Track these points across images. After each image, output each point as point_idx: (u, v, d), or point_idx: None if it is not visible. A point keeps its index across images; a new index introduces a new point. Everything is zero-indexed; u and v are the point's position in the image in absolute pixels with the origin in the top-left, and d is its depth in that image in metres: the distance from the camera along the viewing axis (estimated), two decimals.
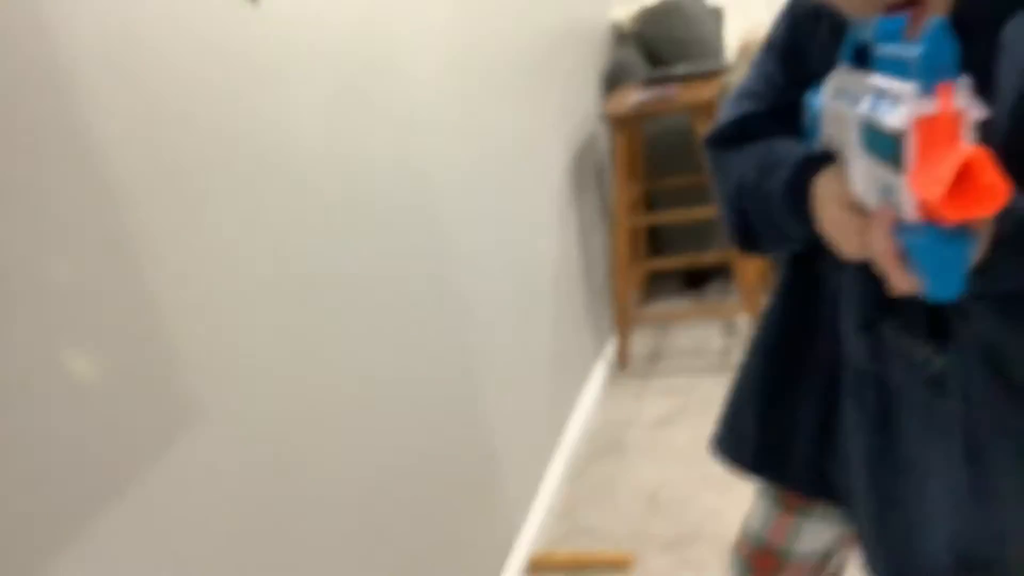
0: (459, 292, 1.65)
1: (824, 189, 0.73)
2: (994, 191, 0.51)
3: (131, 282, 0.89)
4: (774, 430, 0.98)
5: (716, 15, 3.04)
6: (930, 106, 0.53)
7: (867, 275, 0.80)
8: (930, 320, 0.79)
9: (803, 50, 0.85)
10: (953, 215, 0.52)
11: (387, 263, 1.40)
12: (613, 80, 2.74)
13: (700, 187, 2.51)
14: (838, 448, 0.93)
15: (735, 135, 0.89)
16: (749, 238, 0.89)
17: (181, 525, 0.93)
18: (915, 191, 0.53)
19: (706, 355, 2.55)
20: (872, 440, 0.87)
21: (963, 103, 0.54)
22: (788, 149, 0.81)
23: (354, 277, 1.30)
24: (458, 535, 1.60)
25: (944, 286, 0.56)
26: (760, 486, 1.09)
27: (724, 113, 0.92)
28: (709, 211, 2.41)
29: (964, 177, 0.52)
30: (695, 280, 2.92)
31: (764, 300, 1.02)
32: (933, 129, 0.53)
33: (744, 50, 2.85)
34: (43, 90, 0.81)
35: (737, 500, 1.85)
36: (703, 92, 2.35)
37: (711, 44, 2.84)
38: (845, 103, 0.67)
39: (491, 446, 1.76)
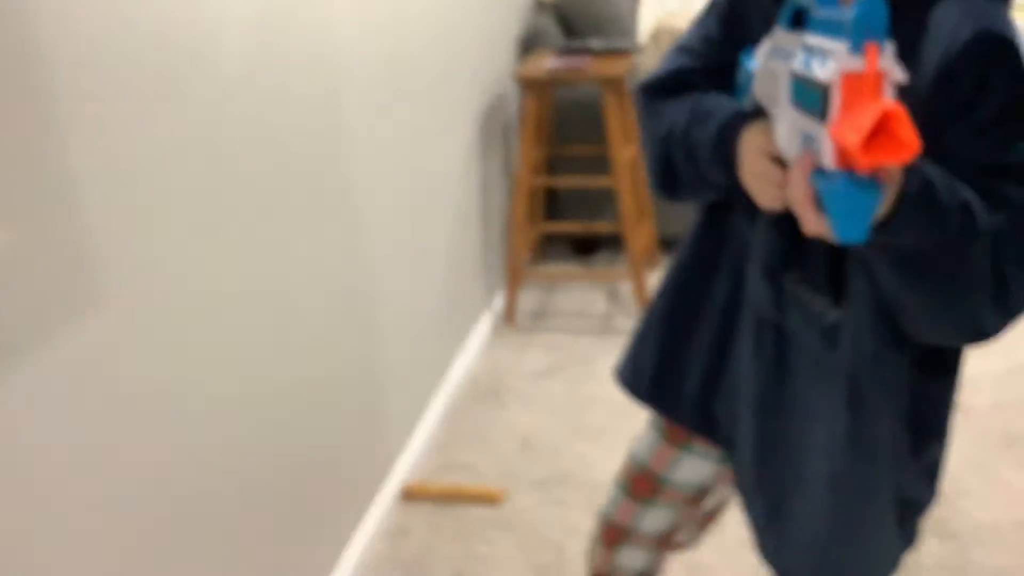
0: (360, 226, 1.70)
1: (749, 142, 0.82)
2: (907, 143, 0.60)
3: (51, 163, 0.91)
4: (669, 365, 1.08)
5: None
6: (857, 63, 0.62)
7: (777, 227, 0.90)
8: (829, 274, 0.89)
9: (744, 13, 0.93)
10: (868, 161, 0.60)
11: (294, 191, 1.44)
12: (528, 45, 2.81)
13: (600, 158, 2.62)
14: (727, 391, 1.03)
15: (670, 86, 0.97)
16: (670, 184, 0.98)
17: (64, 409, 0.97)
18: (836, 139, 0.62)
19: (589, 318, 2.67)
20: (764, 384, 0.97)
21: (887, 64, 0.63)
22: (719, 103, 0.90)
23: (263, 198, 1.34)
24: (338, 456, 1.66)
25: (851, 230, 0.65)
26: (651, 416, 1.18)
27: (661, 64, 1.00)
28: (607, 181, 2.53)
29: (881, 129, 0.60)
30: (585, 248, 3.04)
31: (649, 272, 1.12)
32: (858, 84, 0.62)
33: (656, 34, 2.98)
34: None
35: (606, 449, 1.99)
36: (614, 67, 2.45)
37: (625, 24, 2.95)
38: (778, 61, 0.75)
39: (378, 378, 1.82)
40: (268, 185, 1.35)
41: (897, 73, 0.63)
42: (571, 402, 2.27)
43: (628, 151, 2.53)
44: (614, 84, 2.43)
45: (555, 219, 2.92)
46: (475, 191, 2.42)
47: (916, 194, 0.73)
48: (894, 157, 0.60)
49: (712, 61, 0.95)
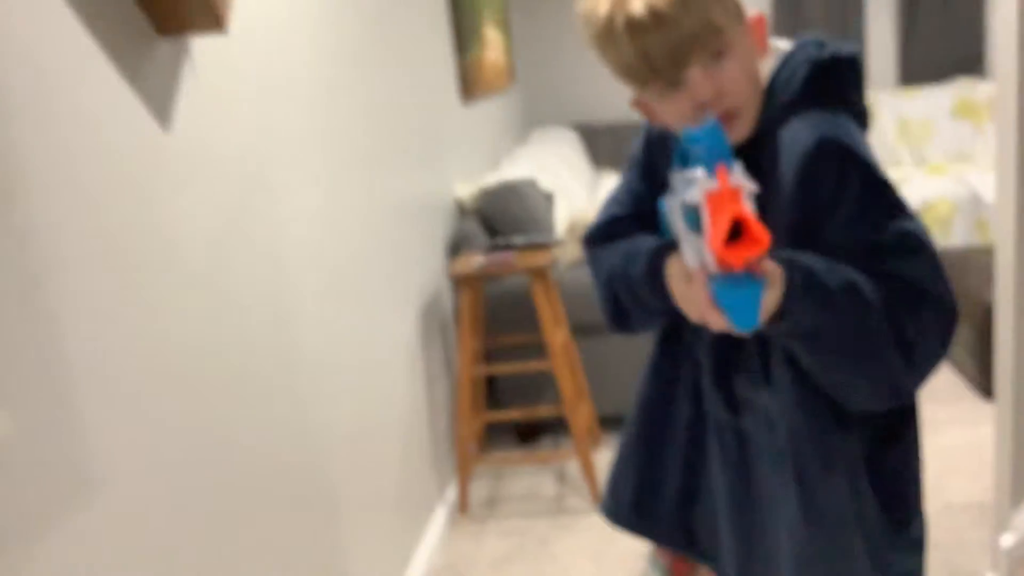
0: (315, 430, 1.77)
1: (671, 269, 0.97)
2: (759, 239, 0.77)
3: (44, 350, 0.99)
4: (646, 489, 1.18)
5: (548, 198, 3.42)
6: (713, 183, 0.79)
7: (719, 338, 1.04)
8: (763, 369, 1.02)
9: (655, 165, 1.12)
10: (731, 259, 0.77)
11: (250, 399, 1.52)
12: (456, 247, 3.01)
13: (535, 344, 2.76)
14: (702, 504, 1.12)
15: (606, 234, 1.14)
16: (622, 319, 1.12)
17: None
18: (709, 246, 0.78)
19: (540, 500, 2.71)
20: (733, 485, 1.07)
21: (737, 179, 0.80)
22: (646, 242, 1.06)
23: (222, 399, 1.42)
24: None
25: (744, 319, 0.80)
26: (649, 560, 1.24)
27: (597, 217, 1.17)
28: (543, 364, 2.66)
29: (740, 232, 0.77)
30: (528, 435, 3.12)
31: (593, 450, 1.25)
32: (718, 199, 0.78)
33: (571, 228, 3.22)
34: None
35: None
36: (538, 259, 2.65)
37: (543, 222, 3.19)
38: (674, 196, 0.92)
39: (337, 574, 1.83)
40: (226, 387, 1.42)
41: (748, 184, 0.80)
42: None
43: (560, 334, 2.68)
44: (540, 274, 2.61)
45: (497, 408, 3.01)
46: (420, 387, 2.52)
47: (801, 283, 0.88)
48: (750, 251, 0.76)
49: (638, 208, 1.12)
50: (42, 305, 0.98)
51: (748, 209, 0.77)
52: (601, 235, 1.14)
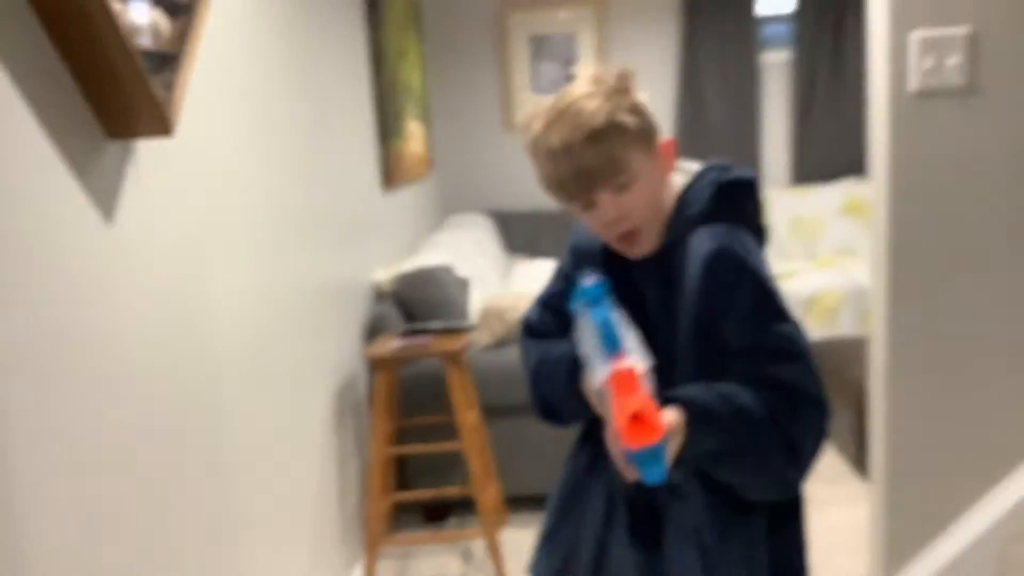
0: (236, 508, 1.84)
1: (585, 384, 1.12)
2: (654, 428, 0.94)
3: None
4: (562, 558, 1.30)
5: (462, 284, 3.57)
6: (607, 371, 0.98)
7: None
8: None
9: (579, 270, 1.28)
10: (633, 446, 0.93)
11: (178, 476, 1.59)
12: (373, 331, 3.11)
13: (445, 426, 2.87)
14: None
15: (535, 331, 1.31)
16: (549, 413, 1.27)
17: None
18: (617, 430, 0.95)
19: None
20: (642, 554, 1.20)
21: (632, 361, 0.97)
22: (566, 351, 1.20)
23: (152, 443, 1.49)
24: None
25: (653, 477, 0.95)
26: None
27: (528, 311, 1.35)
28: (454, 445, 2.75)
29: (639, 418, 0.94)
30: (436, 516, 3.19)
31: (499, 530, 1.41)
32: (617, 383, 0.96)
33: (484, 314, 3.36)
34: None
35: None
36: (453, 344, 2.77)
37: (458, 307, 3.33)
38: (581, 335, 1.10)
39: None
40: (158, 466, 1.49)
41: (641, 363, 0.98)
42: None
43: (471, 415, 2.79)
44: (454, 358, 2.73)
45: (406, 488, 3.08)
46: (332, 466, 2.58)
47: (698, 421, 1.03)
48: (649, 439, 0.93)
49: (562, 308, 1.28)
50: None
51: (645, 397, 0.95)
52: (530, 331, 1.32)
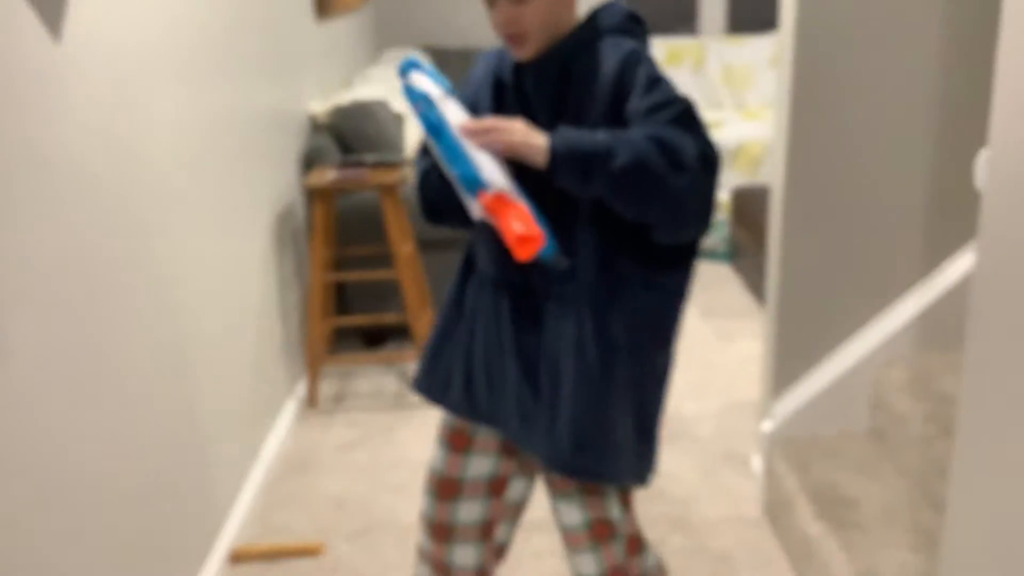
0: (182, 335, 1.96)
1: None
2: (536, 238, 1.17)
3: None
4: (442, 365, 1.48)
5: (398, 119, 3.62)
6: (478, 206, 1.20)
7: None
8: (561, 238, 1.31)
9: (475, 96, 1.43)
10: (527, 257, 1.11)
11: (124, 309, 1.70)
12: (309, 162, 3.17)
13: (383, 256, 3.00)
14: (479, 374, 1.42)
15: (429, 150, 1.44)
16: (434, 215, 1.44)
17: None
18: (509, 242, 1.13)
19: (383, 397, 2.99)
20: (521, 332, 1.37)
21: (493, 188, 1.18)
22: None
23: (100, 265, 1.60)
24: (168, 527, 1.85)
25: (547, 255, 1.14)
26: (438, 435, 1.54)
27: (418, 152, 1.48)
28: (389, 274, 2.90)
29: (523, 236, 1.11)
30: (374, 340, 3.37)
31: None
32: (491, 210, 1.17)
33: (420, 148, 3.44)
34: None
35: (411, 499, 2.30)
36: (389, 177, 2.86)
37: (394, 142, 3.39)
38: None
39: (200, 459, 2.04)
40: (105, 299, 1.60)
41: (496, 178, 1.22)
42: (376, 466, 2.56)
43: (407, 247, 2.92)
44: (390, 191, 2.83)
45: (346, 314, 3.24)
46: (273, 290, 2.71)
47: (562, 158, 1.22)
48: (536, 246, 1.18)
49: None
50: None
51: (518, 212, 1.18)
52: (426, 150, 1.45)
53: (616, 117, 1.28)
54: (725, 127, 4.76)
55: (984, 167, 1.27)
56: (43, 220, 1.36)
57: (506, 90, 1.37)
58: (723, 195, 4.23)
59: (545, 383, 1.38)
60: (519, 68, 1.35)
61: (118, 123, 1.63)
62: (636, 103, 1.27)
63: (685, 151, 1.22)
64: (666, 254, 1.36)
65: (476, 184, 1.20)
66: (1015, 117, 1.05)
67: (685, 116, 1.26)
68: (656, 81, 1.29)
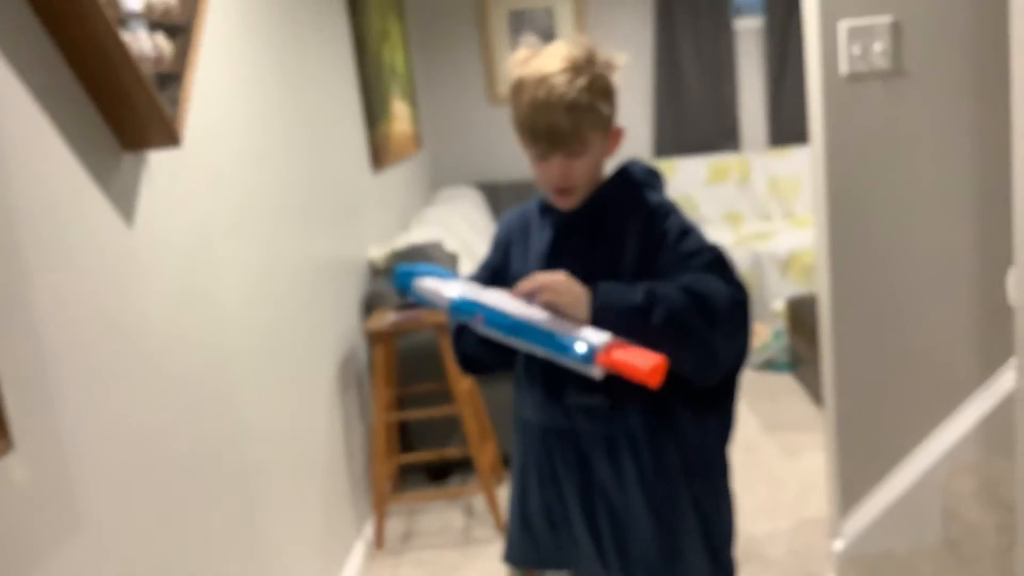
0: (252, 477, 2.05)
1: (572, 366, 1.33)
2: (658, 366, 1.19)
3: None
4: (526, 530, 1.51)
5: (452, 259, 3.76)
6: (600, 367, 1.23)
7: (548, 371, 1.38)
8: (599, 383, 1.36)
9: (509, 242, 1.52)
10: (659, 382, 1.20)
11: (197, 455, 1.80)
12: (369, 306, 3.31)
13: (443, 392, 3.08)
14: (558, 520, 1.45)
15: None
16: (468, 366, 1.53)
17: None
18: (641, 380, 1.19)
19: (450, 533, 3.01)
20: (577, 481, 1.41)
21: (598, 339, 1.23)
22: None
23: (172, 421, 1.69)
24: None
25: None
26: None
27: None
28: (451, 410, 2.96)
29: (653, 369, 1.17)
30: (438, 475, 3.41)
31: (497, 485, 1.63)
32: (612, 361, 1.21)
33: None
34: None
35: None
36: (444, 316, 2.96)
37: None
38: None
39: None
40: (179, 454, 1.70)
41: (598, 336, 1.25)
42: None
43: (465, 382, 2.99)
44: (446, 329, 2.92)
45: (409, 451, 3.30)
46: (339, 432, 2.79)
47: (603, 315, 1.26)
48: (661, 368, 1.19)
49: (491, 278, 1.50)
50: (45, 379, 1.26)
51: (629, 350, 1.21)
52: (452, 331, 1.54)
53: (646, 267, 1.35)
54: (775, 238, 4.80)
55: (1014, 284, 1.29)
56: (122, 378, 1.47)
57: (539, 241, 1.46)
58: (779, 305, 4.24)
59: (605, 523, 1.41)
60: (551, 217, 1.44)
61: (196, 281, 1.76)
62: (669, 254, 1.34)
63: (718, 300, 1.28)
64: (709, 389, 1.41)
65: (591, 355, 1.21)
66: None
67: (717, 263, 1.33)
68: (687, 232, 1.37)
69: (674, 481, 1.40)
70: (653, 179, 1.46)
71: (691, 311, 1.26)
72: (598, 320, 1.26)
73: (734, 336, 1.31)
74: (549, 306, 1.27)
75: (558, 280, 1.28)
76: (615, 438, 1.39)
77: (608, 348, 1.20)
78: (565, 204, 1.40)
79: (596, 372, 1.22)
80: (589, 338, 1.22)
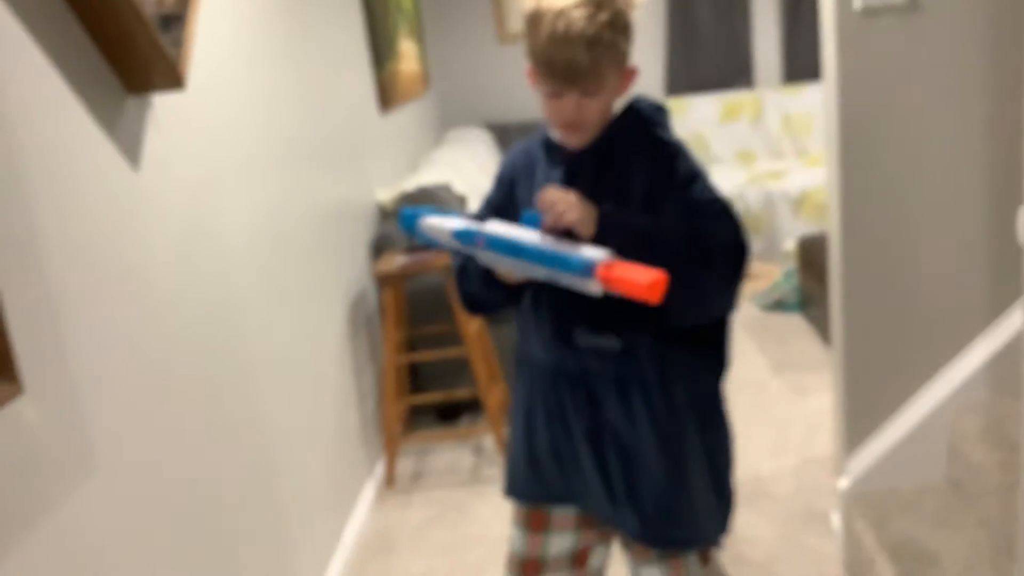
0: (262, 419, 2.07)
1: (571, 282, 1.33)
2: (658, 280, 1.17)
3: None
4: (533, 466, 1.52)
5: (461, 201, 3.74)
6: (599, 281, 1.20)
7: (556, 301, 1.39)
8: (609, 321, 1.38)
9: (514, 178, 1.50)
10: (659, 298, 1.17)
11: (207, 398, 1.82)
12: (379, 248, 3.31)
13: (452, 334, 3.09)
14: (567, 458, 1.47)
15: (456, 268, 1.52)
16: (472, 306, 1.52)
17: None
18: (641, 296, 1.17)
19: (460, 472, 3.05)
20: (587, 419, 1.43)
21: (596, 256, 1.21)
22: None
23: (183, 362, 1.71)
24: None
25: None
26: (513, 517, 1.59)
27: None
28: (460, 351, 2.99)
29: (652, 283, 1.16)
30: (448, 414, 3.46)
31: (505, 426, 1.63)
32: (610, 277, 1.19)
33: None
34: None
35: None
36: (450, 256, 2.97)
37: None
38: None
39: (282, 542, 2.14)
40: (187, 390, 1.72)
41: (595, 251, 1.23)
42: (456, 545, 2.62)
43: (474, 324, 3.01)
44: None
45: (419, 392, 3.34)
46: (349, 374, 2.82)
47: (606, 226, 1.28)
48: (661, 282, 1.17)
49: (494, 214, 1.47)
50: (55, 323, 1.27)
51: (627, 266, 1.19)
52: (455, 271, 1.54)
53: (653, 208, 1.34)
54: (788, 176, 4.76)
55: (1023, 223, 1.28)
56: (131, 321, 1.48)
57: (545, 180, 1.44)
58: (790, 244, 4.22)
59: (614, 461, 1.43)
60: (558, 155, 1.43)
61: (203, 224, 1.77)
62: (677, 198, 1.34)
63: (720, 248, 1.30)
64: (705, 327, 1.42)
65: (589, 268, 1.20)
66: None
67: (723, 214, 1.34)
68: (695, 177, 1.36)
69: (682, 418, 1.42)
70: (661, 116, 1.44)
71: (693, 248, 1.28)
72: (603, 239, 1.26)
73: (727, 286, 1.33)
74: (557, 226, 1.27)
75: (569, 198, 1.27)
76: (626, 378, 1.40)
77: (608, 264, 1.20)
78: (575, 142, 1.39)
79: (595, 288, 1.21)
80: (590, 254, 1.22)
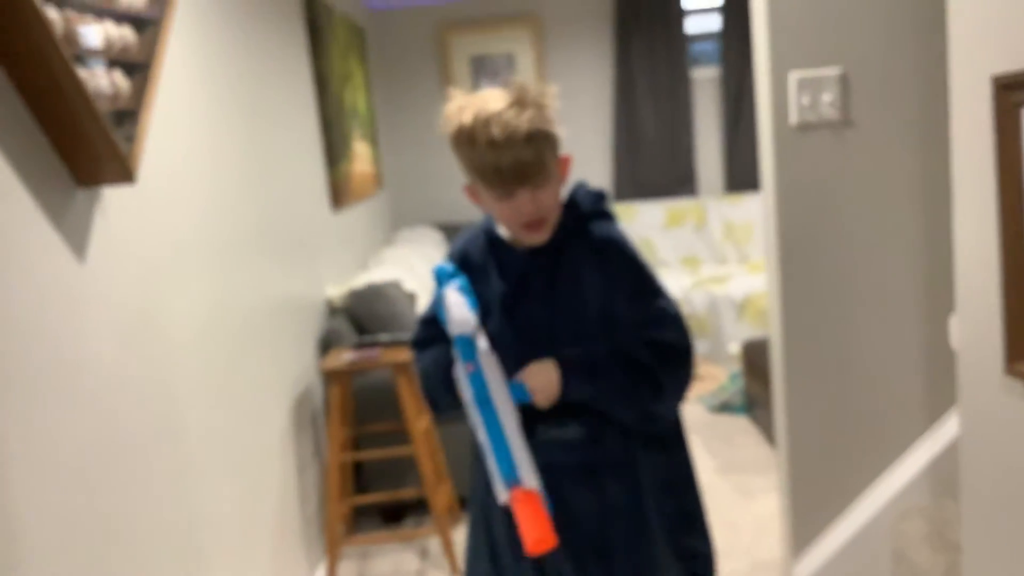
0: (199, 518, 2.01)
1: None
2: (548, 539, 1.25)
3: None
4: (493, 563, 1.50)
5: (410, 298, 3.75)
6: (507, 495, 1.31)
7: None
8: (571, 413, 1.41)
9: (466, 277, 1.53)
10: (532, 552, 1.23)
11: (140, 493, 1.77)
12: (327, 344, 3.28)
13: (399, 432, 3.05)
14: (507, 548, 1.46)
15: (423, 344, 1.53)
16: (436, 408, 1.53)
17: None
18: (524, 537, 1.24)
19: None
20: (555, 520, 1.42)
21: (526, 484, 1.29)
22: (441, 363, 1.45)
23: (119, 456, 1.66)
24: None
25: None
26: None
27: (415, 333, 1.58)
28: (406, 450, 2.94)
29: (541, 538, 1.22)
30: (393, 517, 3.37)
31: (453, 527, 1.65)
32: (521, 502, 1.26)
33: None
34: None
35: None
36: (401, 355, 2.95)
37: (406, 319, 3.51)
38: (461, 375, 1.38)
39: None
40: (121, 487, 1.66)
41: (530, 479, 1.31)
42: None
43: (422, 422, 2.98)
44: (403, 369, 2.92)
45: (364, 492, 3.26)
46: (292, 472, 2.75)
47: (578, 370, 1.35)
48: (548, 545, 1.24)
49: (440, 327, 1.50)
50: None
51: (541, 515, 1.26)
52: (416, 344, 1.56)
53: (608, 312, 1.42)
54: (731, 281, 4.87)
55: (956, 330, 1.33)
56: (68, 411, 1.44)
57: (497, 285, 1.47)
58: (734, 348, 4.29)
59: (587, 553, 1.45)
60: (508, 256, 1.46)
61: (147, 317, 1.74)
62: (628, 308, 1.41)
63: (675, 357, 1.42)
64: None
65: (513, 479, 1.30)
66: (974, 285, 1.13)
67: (672, 324, 1.43)
68: (643, 280, 1.43)
69: (655, 497, 1.46)
70: (601, 203, 1.50)
71: (643, 391, 1.40)
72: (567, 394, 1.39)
73: (680, 392, 1.44)
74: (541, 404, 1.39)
75: (549, 384, 1.38)
76: (595, 465, 1.43)
77: (525, 494, 1.28)
78: (538, 238, 1.43)
79: (501, 495, 1.31)
80: (527, 475, 1.31)
